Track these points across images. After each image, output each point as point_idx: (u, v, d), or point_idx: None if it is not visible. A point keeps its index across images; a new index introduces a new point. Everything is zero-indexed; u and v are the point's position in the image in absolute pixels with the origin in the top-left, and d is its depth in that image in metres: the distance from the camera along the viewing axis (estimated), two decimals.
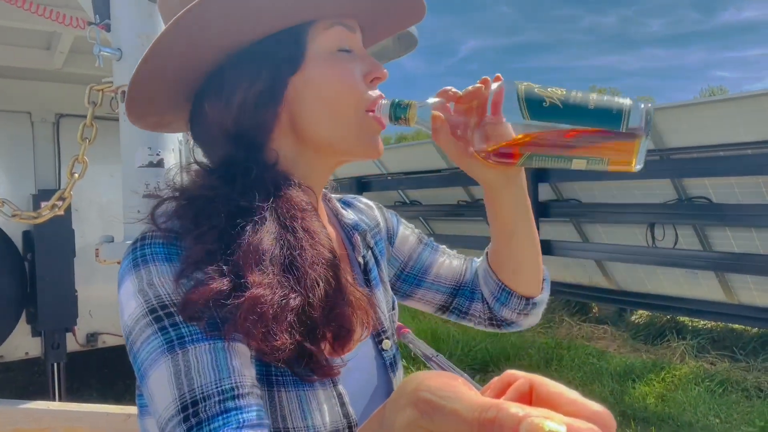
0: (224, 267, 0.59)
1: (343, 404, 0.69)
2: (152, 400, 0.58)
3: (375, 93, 0.73)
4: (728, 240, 4.48)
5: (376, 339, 0.80)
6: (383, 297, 0.84)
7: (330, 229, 0.79)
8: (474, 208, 6.34)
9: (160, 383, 0.57)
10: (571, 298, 5.40)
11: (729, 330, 4.53)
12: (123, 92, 1.21)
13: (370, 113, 0.72)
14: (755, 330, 4.31)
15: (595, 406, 0.35)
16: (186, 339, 0.57)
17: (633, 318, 5.24)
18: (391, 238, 0.95)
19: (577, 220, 5.43)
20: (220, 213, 0.62)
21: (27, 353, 3.32)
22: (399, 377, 0.82)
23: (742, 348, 3.98)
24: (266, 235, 0.62)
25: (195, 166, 0.71)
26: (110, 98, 1.28)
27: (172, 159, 1.22)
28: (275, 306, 0.58)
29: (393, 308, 0.87)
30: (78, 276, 3.28)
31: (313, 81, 0.70)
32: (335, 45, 0.71)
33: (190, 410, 0.55)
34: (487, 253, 0.91)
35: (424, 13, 0.78)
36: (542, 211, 5.27)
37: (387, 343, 0.80)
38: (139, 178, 1.19)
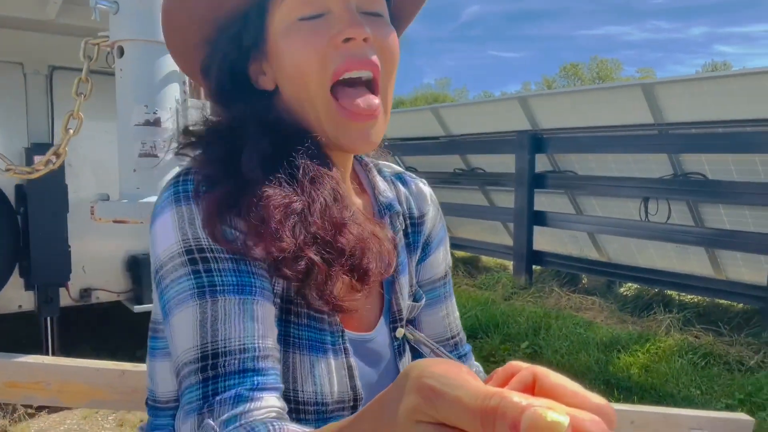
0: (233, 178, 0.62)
1: (352, 377, 0.70)
2: (172, 339, 0.59)
3: (340, 59, 0.65)
4: (720, 217, 4.52)
5: (392, 325, 0.79)
6: (406, 284, 0.82)
7: (356, 199, 0.77)
8: (470, 177, 6.33)
9: (184, 325, 0.58)
10: (561, 269, 5.45)
11: (715, 305, 4.60)
12: (120, 47, 1.19)
13: (334, 100, 0.66)
14: (741, 306, 4.38)
15: (598, 399, 0.35)
16: (218, 288, 0.58)
17: (622, 290, 5.31)
18: (426, 246, 0.89)
19: (572, 192, 5.45)
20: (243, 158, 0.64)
21: (20, 306, 3.33)
22: (405, 364, 0.81)
23: (727, 323, 4.05)
24: (268, 154, 0.64)
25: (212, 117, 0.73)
26: (106, 53, 1.25)
27: (168, 118, 1.20)
28: (279, 206, 0.60)
29: (416, 300, 0.84)
30: (71, 232, 3.27)
31: (277, 58, 0.69)
32: (294, 14, 0.66)
33: (210, 362, 0.56)
34: None
35: None
36: (538, 181, 5.28)
37: (400, 331, 0.79)
38: (135, 137, 1.18)
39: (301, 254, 0.60)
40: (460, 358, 0.91)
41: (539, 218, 5.35)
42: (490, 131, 5.99)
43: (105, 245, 3.49)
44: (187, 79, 1.23)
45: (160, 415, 0.75)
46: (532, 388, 0.38)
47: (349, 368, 0.70)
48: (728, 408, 2.87)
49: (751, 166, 4.05)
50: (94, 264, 3.47)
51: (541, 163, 5.36)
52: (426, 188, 0.92)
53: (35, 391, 1.38)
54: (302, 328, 0.67)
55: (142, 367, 1.36)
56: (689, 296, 4.79)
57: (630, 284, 5.25)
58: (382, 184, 0.83)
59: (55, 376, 1.38)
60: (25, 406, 2.92)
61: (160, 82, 1.17)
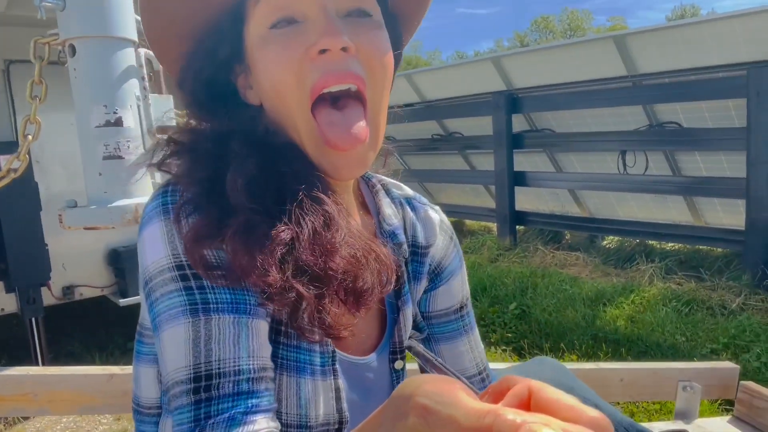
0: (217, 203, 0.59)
1: (339, 399, 0.68)
2: (162, 355, 0.58)
3: (316, 73, 0.59)
4: (697, 164, 4.57)
5: (391, 356, 0.76)
6: (410, 316, 0.79)
7: (358, 219, 0.73)
8: (449, 142, 6.30)
9: (175, 342, 0.56)
10: (544, 228, 5.50)
11: (696, 251, 4.69)
12: (71, 45, 1.13)
13: (315, 121, 0.61)
14: (720, 250, 4.47)
15: (593, 412, 0.35)
16: (211, 306, 0.56)
17: (604, 243, 5.38)
18: (436, 276, 0.84)
19: (550, 150, 5.46)
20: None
21: (2, 309, 3.28)
22: None
23: (707, 268, 4.14)
24: (253, 176, 0.60)
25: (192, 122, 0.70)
26: (58, 51, 1.19)
27: (130, 116, 1.16)
28: (265, 236, 0.57)
29: (418, 330, 0.82)
30: (47, 229, 3.20)
31: (254, 72, 0.64)
32: (266, 21, 0.61)
33: (203, 383, 0.54)
34: None
35: None
36: (516, 141, 5.27)
37: (399, 364, 0.77)
38: (97, 139, 1.13)
39: (290, 287, 0.57)
40: None
41: (520, 178, 5.37)
42: (465, 94, 5.94)
43: (84, 240, 3.42)
44: (145, 73, 1.18)
45: (145, 421, 0.74)
46: (528, 402, 0.38)
47: (337, 390, 0.68)
48: (713, 353, 2.95)
49: (725, 111, 4.08)
50: (75, 260, 3.42)
51: (519, 123, 5.34)
52: (437, 216, 0.86)
53: (23, 403, 1.36)
54: (291, 349, 0.65)
55: (129, 369, 1.34)
56: (670, 245, 4.88)
57: (612, 237, 5.33)
58: (388, 209, 0.79)
59: (41, 387, 1.36)
60: None
61: (117, 79, 1.11)
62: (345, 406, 0.69)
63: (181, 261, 0.58)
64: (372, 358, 0.74)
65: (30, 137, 1.24)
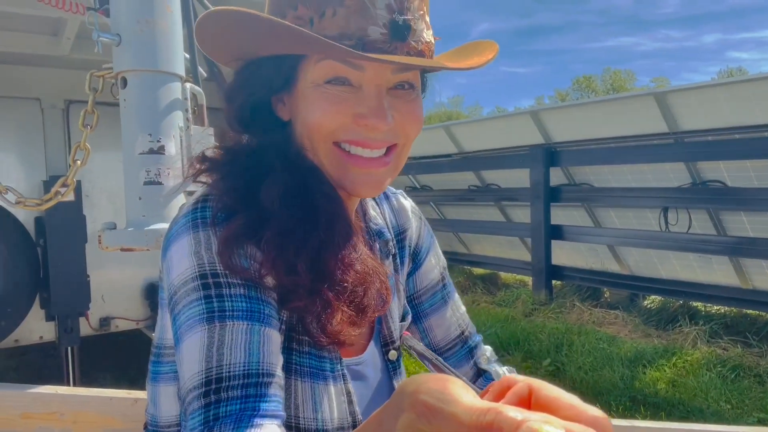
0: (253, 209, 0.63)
1: (351, 402, 0.70)
2: (181, 366, 0.59)
3: (355, 135, 0.66)
4: (743, 224, 4.42)
5: (383, 348, 0.80)
6: (396, 307, 0.83)
7: (362, 235, 0.78)
8: (485, 193, 6.30)
9: (192, 350, 0.58)
10: (582, 284, 5.37)
11: (743, 315, 4.48)
12: (123, 78, 1.21)
13: (337, 149, 0.67)
14: None
15: (594, 411, 0.35)
16: (227, 313, 0.58)
17: (645, 303, 5.20)
18: (415, 256, 0.91)
19: (589, 205, 5.38)
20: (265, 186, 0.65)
21: (41, 337, 3.36)
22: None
23: (755, 333, 3.94)
24: (288, 188, 0.65)
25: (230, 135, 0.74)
26: (111, 84, 1.27)
27: (172, 145, 1.21)
28: (297, 241, 0.61)
29: (403, 319, 0.85)
30: (90, 261, 3.31)
31: (297, 101, 0.69)
32: (322, 77, 0.66)
33: (213, 386, 0.56)
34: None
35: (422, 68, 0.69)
36: (553, 195, 5.23)
37: (393, 354, 0.80)
38: (140, 165, 1.19)
39: (313, 288, 0.62)
40: (471, 350, 0.91)
41: (557, 232, 5.29)
42: (503, 146, 5.97)
43: (123, 273, 3.52)
44: (189, 106, 1.25)
45: None
46: (528, 401, 0.38)
47: (348, 394, 0.70)
48: (760, 423, 2.77)
49: None
50: (113, 293, 3.50)
51: (556, 176, 5.32)
52: (406, 202, 0.93)
53: (50, 421, 1.38)
54: (304, 356, 0.68)
55: None
56: (715, 307, 4.68)
57: (653, 297, 5.14)
58: (372, 210, 0.84)
59: (68, 407, 1.38)
60: None
61: (162, 110, 1.18)
62: (357, 409, 0.70)
63: (205, 270, 0.60)
64: (366, 354, 0.76)
65: (79, 162, 1.32)
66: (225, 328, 0.58)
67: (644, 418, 3.00)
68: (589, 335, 4.25)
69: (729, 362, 3.53)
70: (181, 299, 0.60)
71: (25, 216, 3.18)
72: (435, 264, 0.92)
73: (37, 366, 3.54)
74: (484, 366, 0.90)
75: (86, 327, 3.40)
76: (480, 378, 0.92)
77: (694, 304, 4.77)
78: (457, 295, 0.94)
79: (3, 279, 3.07)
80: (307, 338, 0.67)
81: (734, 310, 4.54)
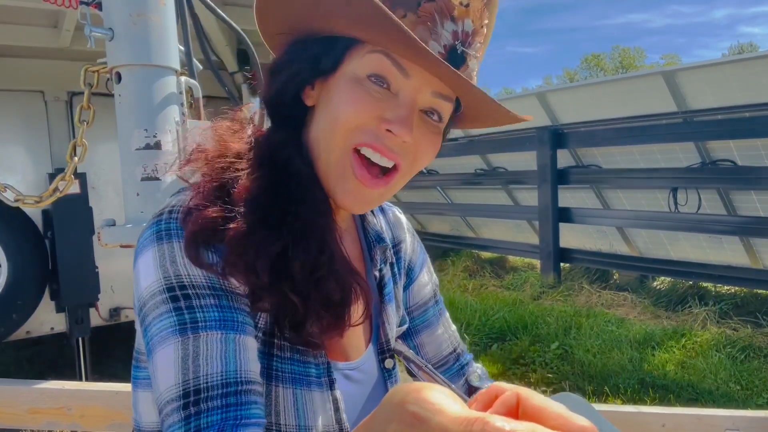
0: (223, 207, 0.62)
1: (337, 409, 0.69)
2: (155, 377, 0.59)
3: (372, 137, 0.65)
4: (753, 204, 4.37)
5: (380, 356, 0.79)
6: (394, 314, 0.82)
7: (348, 238, 0.78)
8: (492, 176, 6.27)
9: (165, 362, 0.57)
10: (590, 266, 5.35)
11: (753, 295, 4.45)
12: (117, 73, 1.20)
13: (353, 154, 0.66)
14: None
15: (581, 421, 0.35)
16: (200, 324, 0.58)
17: (654, 284, 5.17)
18: (409, 272, 0.91)
19: (597, 186, 5.34)
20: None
21: (52, 328, 3.40)
22: None
23: (766, 313, 3.91)
24: (263, 190, 0.64)
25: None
26: (106, 79, 1.26)
27: (169, 140, 1.20)
28: (258, 244, 0.61)
29: (399, 325, 0.85)
30: (98, 252, 3.33)
31: (330, 90, 0.68)
32: (367, 70, 0.65)
33: (192, 398, 0.55)
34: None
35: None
36: (561, 177, 5.19)
37: (389, 362, 0.80)
38: (137, 161, 1.18)
39: (273, 289, 0.61)
40: (463, 368, 0.92)
41: (564, 215, 5.26)
42: (509, 129, 5.92)
43: (131, 264, 3.54)
44: (185, 100, 1.24)
45: None
46: (516, 410, 0.38)
47: (335, 401, 0.69)
48: None
49: None
50: (122, 283, 3.53)
51: (564, 158, 5.27)
52: (402, 216, 0.93)
53: (57, 416, 1.40)
54: (285, 361, 0.66)
55: None
56: (725, 288, 4.64)
57: (663, 278, 5.11)
58: (370, 216, 0.84)
59: (76, 401, 1.40)
60: None
61: (158, 105, 1.17)
62: (344, 416, 0.69)
63: (172, 283, 0.59)
64: (362, 360, 0.76)
65: (76, 159, 1.31)
66: (199, 339, 0.57)
67: (652, 401, 3.00)
68: (597, 318, 4.24)
69: (739, 343, 3.52)
70: (150, 311, 0.60)
71: (32, 210, 3.20)
72: (428, 280, 0.92)
73: (49, 356, 3.59)
74: (475, 383, 0.90)
75: (96, 318, 3.43)
76: (471, 396, 0.92)
77: (704, 284, 4.74)
78: (447, 314, 0.95)
79: (13, 272, 3.11)
80: (288, 344, 0.66)
81: (744, 290, 4.51)
